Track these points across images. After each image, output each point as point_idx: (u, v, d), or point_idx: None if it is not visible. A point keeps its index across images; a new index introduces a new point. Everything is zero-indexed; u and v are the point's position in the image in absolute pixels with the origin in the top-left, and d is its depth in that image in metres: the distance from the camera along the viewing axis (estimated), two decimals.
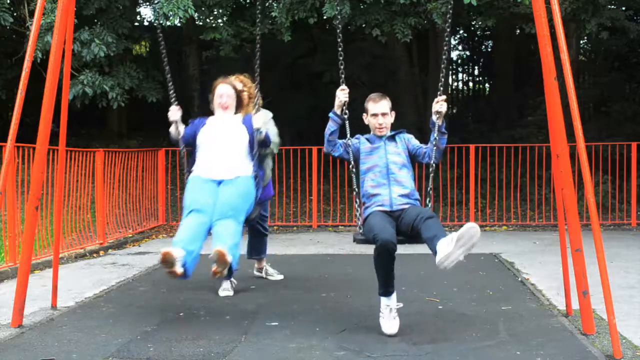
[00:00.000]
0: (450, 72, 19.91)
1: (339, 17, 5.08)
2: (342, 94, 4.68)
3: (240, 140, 5.23)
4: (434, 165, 4.67)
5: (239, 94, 5.42)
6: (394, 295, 4.55)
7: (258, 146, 5.27)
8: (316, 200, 11.21)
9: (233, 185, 4.99)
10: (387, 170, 4.68)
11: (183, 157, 5.37)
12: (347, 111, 4.71)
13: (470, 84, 22.04)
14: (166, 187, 11.55)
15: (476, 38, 21.60)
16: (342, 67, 4.85)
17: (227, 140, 5.20)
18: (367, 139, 4.82)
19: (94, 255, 8.43)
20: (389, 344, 4.27)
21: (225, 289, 5.93)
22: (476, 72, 21.99)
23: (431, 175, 4.64)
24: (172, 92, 5.42)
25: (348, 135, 4.73)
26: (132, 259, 8.16)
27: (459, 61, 21.61)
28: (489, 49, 20.95)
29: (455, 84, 21.41)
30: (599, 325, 4.60)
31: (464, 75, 21.86)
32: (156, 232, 10.62)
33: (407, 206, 4.57)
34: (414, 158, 4.81)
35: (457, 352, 4.06)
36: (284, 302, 5.51)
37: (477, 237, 4.17)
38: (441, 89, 4.76)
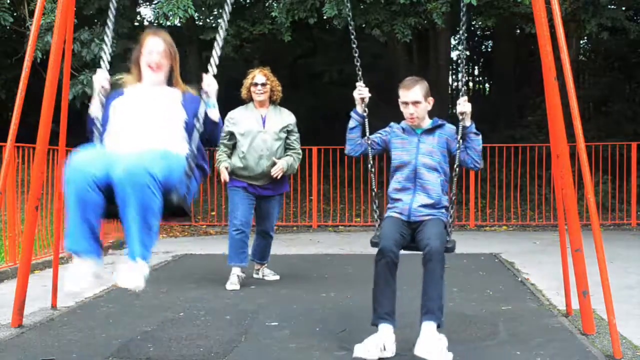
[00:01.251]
0: (450, 72, 19.91)
1: (349, 14, 4.62)
2: (356, 93, 4.31)
3: (172, 116, 3.79)
4: (475, 169, 4.27)
5: (171, 52, 3.95)
6: (391, 330, 3.97)
7: (205, 131, 3.71)
8: (316, 200, 11.21)
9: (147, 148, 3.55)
10: (415, 173, 4.22)
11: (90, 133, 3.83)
12: (366, 110, 4.33)
13: (470, 84, 22.06)
14: None
15: (476, 38, 21.61)
16: (358, 63, 4.45)
17: (153, 111, 3.77)
18: (403, 129, 4.33)
19: None
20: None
21: (233, 283, 6.01)
22: (476, 72, 22.01)
23: (454, 179, 4.17)
24: (107, 42, 4.20)
25: (367, 134, 4.32)
26: None
27: (459, 61, 21.62)
28: (489, 49, 20.96)
29: (455, 84, 21.43)
30: (599, 325, 4.60)
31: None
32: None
33: (427, 218, 4.14)
34: (452, 158, 4.27)
35: (457, 352, 4.05)
36: (284, 302, 5.51)
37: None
38: (463, 88, 4.42)
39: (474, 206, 11.12)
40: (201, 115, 3.68)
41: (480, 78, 22.11)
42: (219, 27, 3.86)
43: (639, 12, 15.48)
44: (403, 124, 4.36)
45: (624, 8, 12.54)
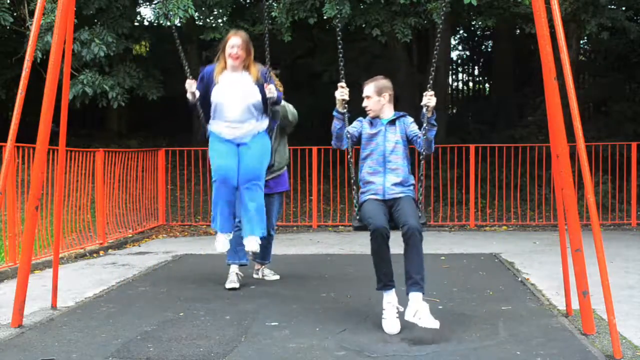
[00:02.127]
0: (450, 72, 19.91)
1: (338, 16, 5.15)
2: (338, 93, 4.77)
3: (254, 101, 5.59)
4: (423, 153, 4.80)
5: (247, 47, 5.69)
6: (394, 292, 4.63)
7: (271, 104, 5.66)
8: (316, 200, 11.21)
9: (251, 148, 5.61)
10: (384, 157, 4.83)
11: (200, 117, 5.70)
12: (346, 106, 4.80)
13: (470, 84, 22.06)
14: (166, 187, 11.55)
15: (476, 38, 21.62)
16: (341, 63, 4.94)
17: (242, 103, 5.56)
18: (370, 122, 4.95)
19: (94, 255, 8.43)
20: (389, 344, 4.27)
21: (232, 281, 6.01)
22: (476, 72, 22.01)
23: (422, 162, 4.76)
24: (186, 67, 5.65)
25: (346, 129, 4.87)
26: (132, 259, 8.16)
27: (459, 61, 21.61)
28: (489, 49, 20.96)
29: (455, 84, 21.42)
30: (599, 325, 4.60)
31: (464, 75, 21.88)
32: (156, 232, 10.62)
33: (400, 195, 4.75)
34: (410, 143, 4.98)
35: (457, 352, 4.06)
36: (284, 302, 5.51)
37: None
38: (430, 82, 4.83)
39: (474, 206, 11.12)
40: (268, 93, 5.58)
41: (480, 78, 22.08)
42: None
43: (639, 12, 15.47)
44: (369, 117, 4.99)
45: (624, 8, 12.55)
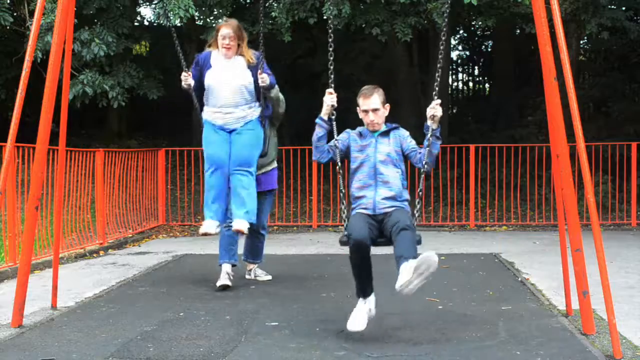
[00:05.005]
0: (450, 72, 19.90)
1: (331, 16, 4.81)
2: (329, 99, 4.56)
3: (246, 84, 5.64)
4: (425, 169, 4.48)
5: (239, 35, 5.76)
6: (372, 298, 4.48)
7: (263, 89, 5.65)
8: (316, 200, 11.20)
9: (243, 135, 5.66)
10: (375, 170, 4.55)
11: (195, 103, 5.76)
12: (334, 113, 4.60)
13: (470, 84, 22.05)
14: (166, 187, 11.55)
15: (476, 38, 21.61)
16: (331, 67, 4.62)
17: (234, 84, 5.62)
18: (360, 133, 4.67)
19: (94, 255, 8.43)
20: (389, 344, 4.27)
21: (222, 279, 5.98)
22: (476, 72, 22.00)
23: (422, 177, 4.46)
24: (183, 63, 5.72)
25: (335, 137, 4.64)
26: (132, 259, 8.16)
27: (459, 61, 21.61)
28: (489, 49, 20.95)
29: (455, 84, 21.41)
30: (599, 325, 4.60)
31: (464, 75, 21.87)
32: (156, 232, 10.62)
33: (391, 209, 4.46)
34: (406, 159, 4.67)
35: (457, 352, 4.06)
36: (284, 302, 5.51)
37: (435, 267, 4.06)
38: (436, 89, 4.58)
39: (474, 206, 11.12)
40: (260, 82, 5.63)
41: (480, 78, 22.08)
42: None
43: (639, 12, 15.46)
44: (360, 128, 4.69)
45: (624, 8, 12.54)
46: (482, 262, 7.56)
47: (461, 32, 20.84)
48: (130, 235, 9.76)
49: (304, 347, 4.23)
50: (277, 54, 15.07)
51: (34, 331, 4.70)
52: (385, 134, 4.64)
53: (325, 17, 10.55)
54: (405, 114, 12.92)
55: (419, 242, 4.32)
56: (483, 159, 11.26)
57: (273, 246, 6.62)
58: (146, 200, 10.68)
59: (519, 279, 6.49)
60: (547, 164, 11.11)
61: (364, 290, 4.43)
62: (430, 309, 5.23)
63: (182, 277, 6.74)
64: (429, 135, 4.44)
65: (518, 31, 17.10)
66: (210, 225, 5.57)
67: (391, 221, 4.34)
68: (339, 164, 4.58)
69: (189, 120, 14.56)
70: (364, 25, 11.23)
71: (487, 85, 21.46)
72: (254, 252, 6.42)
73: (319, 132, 4.59)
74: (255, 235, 6.30)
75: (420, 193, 4.46)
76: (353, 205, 4.61)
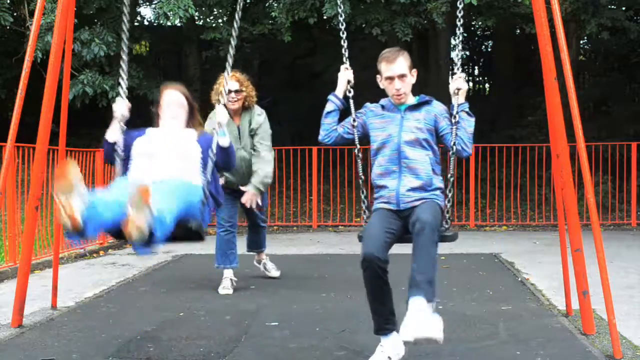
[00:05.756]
0: (450, 72, 19.88)
1: (341, 15, 4.21)
2: (345, 74, 3.91)
3: (190, 155, 4.03)
4: (456, 154, 3.71)
5: (190, 104, 4.30)
6: (393, 337, 3.63)
7: (219, 160, 4.00)
8: (316, 200, 11.20)
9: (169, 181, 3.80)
10: (399, 153, 3.71)
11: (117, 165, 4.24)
12: (351, 91, 3.92)
13: (470, 84, 22.04)
14: None
15: (476, 38, 21.60)
16: (345, 44, 4.01)
17: (173, 151, 4.02)
18: (382, 106, 3.86)
19: (94, 255, 8.43)
20: None
21: (225, 287, 5.95)
22: (476, 72, 22.00)
23: (452, 159, 3.69)
24: (123, 76, 4.28)
25: (353, 116, 3.89)
26: (132, 259, 8.15)
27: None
28: (489, 49, 20.95)
29: None
30: (599, 325, 4.60)
31: (464, 75, 21.88)
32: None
33: (418, 202, 3.62)
34: (439, 140, 3.81)
35: (457, 352, 4.06)
36: (284, 302, 5.51)
37: (436, 342, 3.44)
38: (458, 63, 3.97)
39: (474, 206, 11.12)
40: (214, 146, 3.95)
41: (480, 78, 22.09)
42: (227, 63, 4.28)
43: (639, 12, 15.47)
44: (383, 101, 3.89)
45: (624, 8, 12.55)
46: (482, 262, 7.56)
47: (461, 32, 20.84)
48: None
49: (304, 347, 4.23)
50: (277, 54, 15.08)
51: (34, 331, 4.69)
52: (415, 107, 3.81)
53: (325, 17, 10.54)
54: None
55: (452, 237, 3.61)
56: (483, 159, 11.26)
57: (273, 246, 6.62)
58: None
59: (519, 279, 6.49)
60: (547, 164, 11.10)
61: (378, 323, 3.64)
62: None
63: (182, 277, 6.74)
64: (455, 112, 3.70)
65: (518, 31, 17.10)
66: None
67: (413, 214, 3.54)
68: (358, 145, 3.83)
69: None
70: (364, 25, 11.24)
71: (487, 85, 21.46)
72: (257, 243, 6.45)
73: (328, 107, 3.90)
74: (256, 228, 6.35)
75: (452, 178, 3.67)
76: (375, 196, 3.80)
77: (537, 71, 5.60)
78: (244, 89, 5.77)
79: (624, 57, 16.97)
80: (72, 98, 10.87)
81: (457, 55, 4.02)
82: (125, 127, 4.16)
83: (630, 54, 16.63)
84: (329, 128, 3.92)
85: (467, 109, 3.75)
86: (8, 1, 10.74)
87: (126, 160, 4.19)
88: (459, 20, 4.10)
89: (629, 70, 16.94)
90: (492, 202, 11.45)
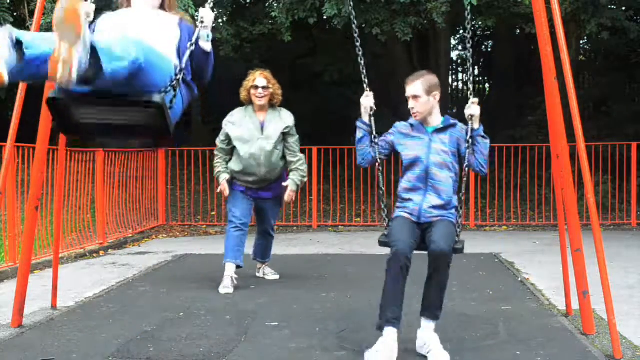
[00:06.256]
0: (450, 72, 19.90)
1: (353, 18, 4.50)
2: (366, 100, 4.20)
3: (167, 35, 3.62)
4: (478, 173, 4.20)
5: None
6: (396, 332, 3.90)
7: (195, 64, 3.63)
8: (316, 200, 11.21)
9: None
10: (427, 174, 4.11)
11: None
12: (372, 114, 4.22)
13: (470, 84, 22.04)
14: (166, 187, 11.55)
15: (476, 38, 21.59)
16: (364, 70, 4.37)
17: (147, 22, 3.60)
18: (412, 126, 4.22)
19: (94, 255, 8.43)
20: None
21: (226, 287, 5.95)
22: (476, 72, 21.99)
23: (464, 179, 4.14)
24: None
25: (374, 137, 4.22)
26: (132, 259, 8.16)
27: (459, 61, 21.60)
28: (489, 49, 20.95)
29: (455, 84, 21.41)
30: (599, 325, 4.60)
31: (464, 75, 21.87)
32: (156, 232, 10.62)
33: (437, 219, 4.07)
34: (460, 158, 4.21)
35: (457, 352, 4.06)
36: (284, 302, 5.51)
37: None
38: (471, 87, 4.50)
39: (474, 206, 11.12)
40: (194, 38, 3.50)
41: (480, 78, 22.08)
42: None
43: (639, 12, 15.46)
44: (412, 120, 4.24)
45: (624, 8, 12.54)
46: (482, 262, 7.56)
47: (461, 32, 20.83)
48: (130, 235, 9.76)
49: (304, 347, 4.23)
50: (277, 54, 15.08)
51: (34, 331, 4.69)
52: (442, 130, 4.17)
53: (325, 17, 10.53)
54: (405, 113, 12.90)
55: (461, 250, 4.01)
56: None
57: (273, 246, 6.62)
58: (146, 200, 10.68)
59: (519, 279, 6.49)
60: (547, 164, 11.10)
61: (391, 316, 3.88)
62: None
63: (182, 277, 6.75)
64: (468, 137, 4.07)
65: (518, 31, 17.09)
66: None
67: (432, 235, 3.95)
68: (379, 161, 4.20)
69: (189, 120, 14.56)
70: (364, 25, 11.23)
71: (487, 85, 21.46)
72: (264, 252, 6.49)
73: (358, 134, 4.22)
74: (265, 236, 6.38)
75: (462, 197, 4.14)
76: (398, 205, 4.19)
77: (537, 71, 5.60)
78: (270, 86, 6.03)
79: (624, 57, 16.96)
80: None
81: (470, 78, 4.57)
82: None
83: (630, 54, 16.62)
84: (364, 152, 4.23)
85: (482, 132, 4.08)
86: (8, 1, 10.73)
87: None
88: (468, 42, 4.64)
89: (629, 70, 16.93)
90: (492, 202, 11.45)
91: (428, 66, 15.31)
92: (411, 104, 4.15)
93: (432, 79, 4.21)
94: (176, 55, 3.55)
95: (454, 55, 20.90)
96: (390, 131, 4.28)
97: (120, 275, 6.93)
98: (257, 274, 6.58)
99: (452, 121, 4.22)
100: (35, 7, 4.99)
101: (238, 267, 6.11)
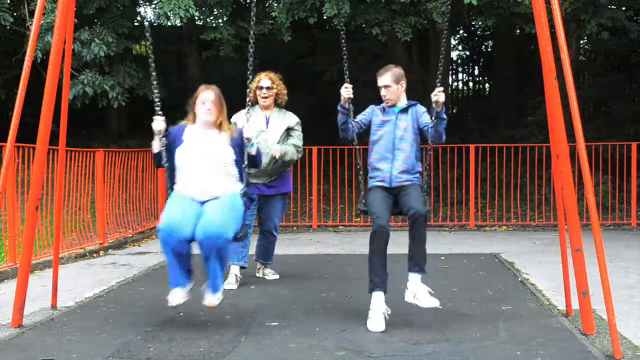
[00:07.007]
0: (450, 72, 19.89)
1: (342, 17, 5.24)
2: (344, 92, 4.91)
3: (225, 163, 4.74)
4: (431, 143, 4.92)
5: (221, 101, 4.83)
6: (383, 296, 4.69)
7: (248, 164, 4.81)
8: (316, 200, 11.21)
9: (217, 201, 4.64)
10: (393, 145, 4.95)
11: (167, 171, 5.02)
12: (350, 102, 4.96)
13: (470, 84, 22.03)
14: (166, 187, 11.52)
15: (476, 38, 21.59)
16: (346, 65, 5.12)
17: (210, 164, 4.72)
18: (383, 109, 5.06)
19: (94, 255, 8.43)
20: (389, 344, 4.27)
21: (230, 283, 5.98)
22: (476, 72, 21.99)
23: (429, 152, 4.98)
24: (157, 99, 4.86)
25: (357, 118, 5.08)
26: (132, 259, 8.16)
27: (459, 61, 21.59)
28: (489, 49, 20.94)
29: (455, 84, 21.39)
30: (599, 325, 4.60)
31: (464, 75, 21.86)
32: (156, 232, 10.60)
33: (407, 183, 4.89)
34: (421, 132, 5.05)
35: (457, 352, 4.06)
36: (284, 302, 5.51)
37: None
38: (439, 77, 5.07)
39: (474, 206, 11.12)
40: (244, 152, 4.79)
41: (480, 78, 22.06)
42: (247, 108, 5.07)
43: (639, 12, 15.46)
44: (382, 105, 5.08)
45: (624, 8, 12.54)
46: (482, 262, 7.56)
47: (461, 32, 20.83)
48: (130, 235, 9.76)
49: (304, 347, 4.23)
50: (277, 54, 15.07)
51: (34, 331, 4.69)
52: (405, 110, 5.03)
53: (325, 17, 10.54)
54: None
55: (428, 212, 4.77)
56: (483, 159, 11.26)
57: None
58: (146, 200, 10.67)
59: (519, 279, 6.49)
60: (547, 164, 11.10)
61: (378, 281, 4.66)
62: (430, 308, 5.21)
63: None
64: (433, 117, 4.82)
65: (518, 31, 17.09)
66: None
67: (406, 202, 4.75)
68: (356, 140, 5.04)
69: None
70: (364, 25, 11.23)
71: (487, 85, 21.45)
72: (266, 253, 6.50)
73: (340, 117, 4.97)
74: (268, 236, 6.39)
75: (427, 167, 5.00)
76: (370, 175, 5.02)
77: (537, 71, 5.62)
78: (275, 86, 6.31)
79: (624, 57, 16.95)
80: (72, 98, 10.87)
81: (440, 69, 5.24)
82: (165, 140, 4.82)
83: (630, 54, 16.61)
84: (346, 129, 5.01)
85: (443, 115, 4.78)
86: (8, 1, 10.74)
87: (171, 169, 4.96)
88: (441, 58, 5.39)
89: (629, 70, 16.92)
90: (492, 202, 11.45)
91: (428, 66, 15.34)
92: (383, 92, 5.02)
93: (399, 71, 5.06)
94: (237, 176, 4.82)
95: (454, 55, 20.90)
96: (368, 111, 5.14)
97: (120, 275, 6.93)
98: (257, 274, 6.58)
99: (412, 103, 5.09)
100: (35, 7, 4.99)
101: (242, 267, 6.16)
